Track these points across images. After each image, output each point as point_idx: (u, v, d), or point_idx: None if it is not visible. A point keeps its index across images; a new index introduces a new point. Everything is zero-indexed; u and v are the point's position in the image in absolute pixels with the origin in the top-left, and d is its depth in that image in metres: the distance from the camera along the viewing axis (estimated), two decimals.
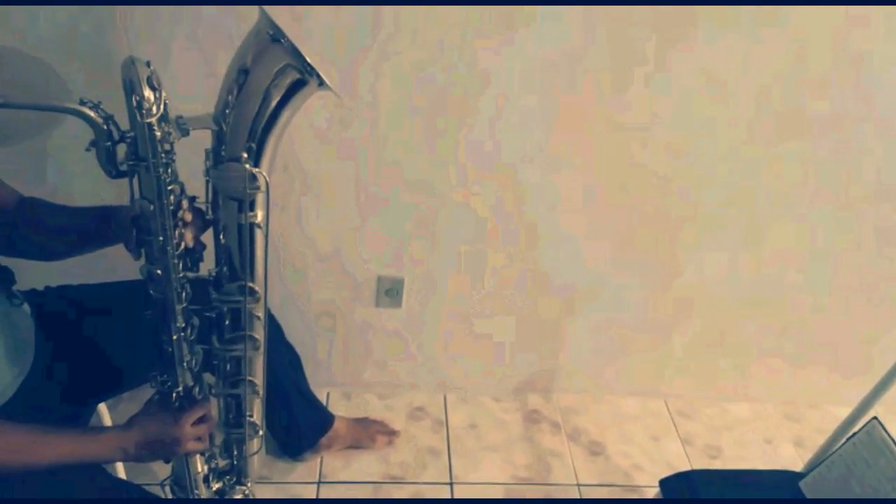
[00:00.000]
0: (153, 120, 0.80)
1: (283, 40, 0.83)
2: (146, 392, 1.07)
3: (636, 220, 1.64)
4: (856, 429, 1.09)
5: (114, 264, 1.39)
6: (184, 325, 0.98)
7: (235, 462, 1.26)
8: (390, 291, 1.71)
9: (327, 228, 1.59)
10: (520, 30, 1.34)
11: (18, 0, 1.22)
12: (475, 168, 1.52)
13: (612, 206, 1.61)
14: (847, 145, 1.54)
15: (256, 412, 1.20)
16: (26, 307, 1.10)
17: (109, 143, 0.81)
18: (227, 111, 0.88)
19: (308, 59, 0.83)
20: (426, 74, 1.38)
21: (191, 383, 1.05)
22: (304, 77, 0.85)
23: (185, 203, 0.92)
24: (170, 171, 0.85)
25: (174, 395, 1.03)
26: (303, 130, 1.43)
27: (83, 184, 1.42)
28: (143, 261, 0.93)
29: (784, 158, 1.56)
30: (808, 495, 1.13)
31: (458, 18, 1.31)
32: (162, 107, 0.81)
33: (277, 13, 0.84)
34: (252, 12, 0.87)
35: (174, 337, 0.98)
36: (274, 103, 0.87)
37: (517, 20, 1.33)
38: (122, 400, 1.50)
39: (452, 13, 1.31)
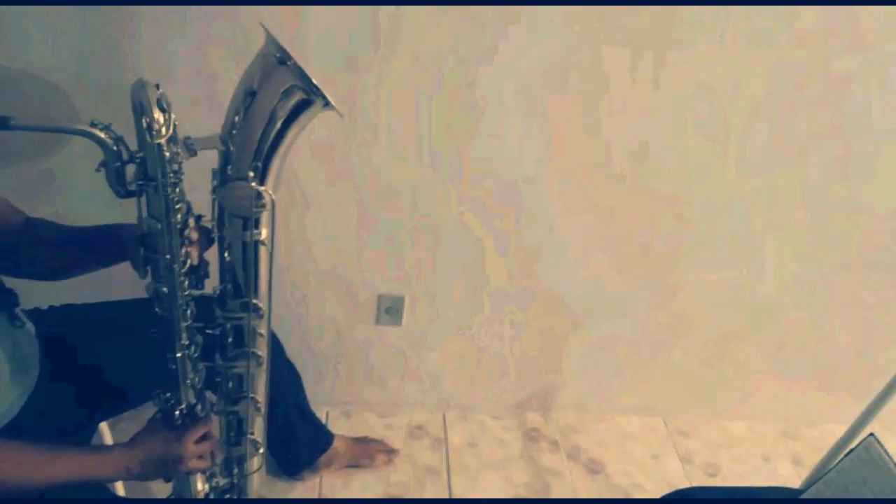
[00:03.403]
0: (163, 141, 0.81)
1: (289, 62, 0.85)
2: (147, 411, 1.08)
3: (634, 239, 1.65)
4: (853, 445, 1.10)
5: (116, 283, 1.40)
6: (188, 342, 0.99)
7: (236, 481, 1.26)
8: (390, 309, 1.72)
9: (328, 246, 1.60)
10: (513, 47, 1.36)
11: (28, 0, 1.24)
12: (475, 187, 1.54)
13: (611, 225, 1.62)
14: (842, 165, 1.57)
15: (257, 430, 1.20)
16: (30, 327, 1.11)
17: (119, 164, 0.83)
18: (234, 131, 0.90)
19: (314, 81, 0.85)
20: (425, 94, 1.40)
21: (193, 401, 1.05)
22: (309, 97, 0.87)
23: (191, 221, 0.93)
24: (178, 190, 0.87)
25: (177, 412, 1.04)
26: (304, 149, 1.45)
27: (89, 204, 1.43)
28: (148, 279, 0.94)
29: (780, 178, 1.58)
30: None
31: (456, 36, 1.34)
32: (171, 128, 0.82)
33: (277, 34, 0.87)
34: (258, 34, 0.89)
35: (179, 355, 0.98)
36: (279, 123, 0.89)
37: (511, 37, 1.35)
38: (123, 419, 1.50)
39: (449, 30, 1.33)
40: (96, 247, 1.06)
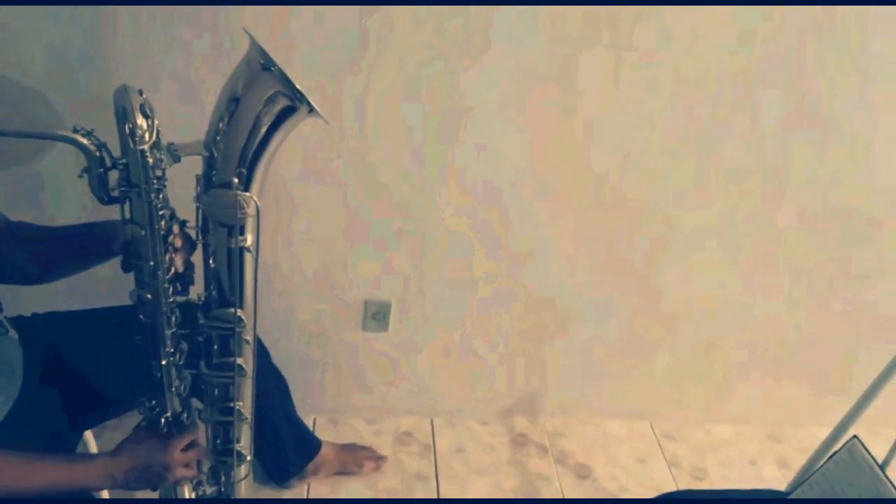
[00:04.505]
0: (146, 147, 0.81)
1: (273, 68, 0.85)
2: (132, 419, 1.07)
3: (620, 243, 1.66)
4: (837, 448, 1.11)
5: (100, 291, 1.39)
6: (173, 350, 0.98)
7: (223, 489, 1.25)
8: (377, 315, 1.71)
9: (314, 252, 1.60)
10: (499, 52, 1.37)
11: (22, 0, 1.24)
12: (461, 192, 1.54)
13: (597, 229, 1.63)
14: (824, 170, 1.58)
15: (244, 438, 1.19)
16: (13, 334, 1.10)
17: (102, 170, 0.82)
18: (218, 138, 0.90)
19: (298, 87, 0.85)
20: (411, 99, 1.41)
21: (179, 409, 1.05)
22: (294, 104, 0.87)
23: (175, 228, 0.93)
24: (161, 196, 0.86)
25: (163, 420, 1.03)
26: (291, 155, 1.45)
27: (73, 210, 1.43)
28: (132, 285, 0.93)
29: (763, 181, 1.59)
30: None
31: (442, 41, 1.35)
32: (154, 134, 0.82)
33: (262, 40, 0.87)
34: (243, 40, 0.89)
35: (163, 362, 0.98)
36: (264, 130, 0.89)
37: (494, 42, 1.36)
38: (107, 428, 1.49)
39: (435, 35, 1.34)
40: (81, 243, 1.04)
